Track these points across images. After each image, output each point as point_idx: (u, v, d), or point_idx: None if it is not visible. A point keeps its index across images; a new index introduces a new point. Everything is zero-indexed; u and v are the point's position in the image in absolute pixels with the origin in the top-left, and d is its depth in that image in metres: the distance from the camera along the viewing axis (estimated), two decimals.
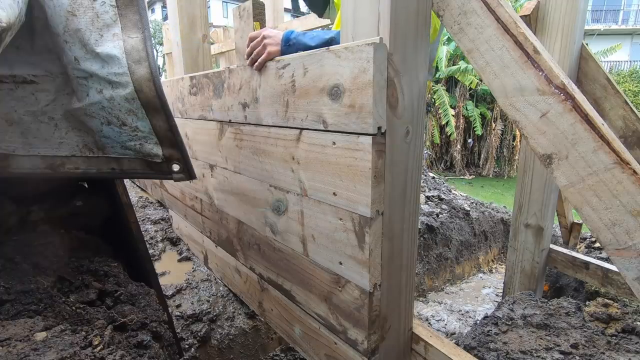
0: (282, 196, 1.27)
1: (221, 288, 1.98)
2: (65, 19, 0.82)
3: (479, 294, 2.87)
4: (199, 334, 1.70)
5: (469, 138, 9.07)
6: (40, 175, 0.97)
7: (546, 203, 1.80)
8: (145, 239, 1.73)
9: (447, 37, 8.46)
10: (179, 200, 2.31)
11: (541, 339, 1.34)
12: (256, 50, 1.22)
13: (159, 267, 2.13)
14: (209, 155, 1.76)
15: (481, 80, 7.77)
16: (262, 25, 1.30)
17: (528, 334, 1.37)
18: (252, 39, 1.24)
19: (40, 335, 0.79)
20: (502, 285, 2.21)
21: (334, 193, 1.04)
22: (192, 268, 2.17)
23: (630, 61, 15.52)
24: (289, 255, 1.31)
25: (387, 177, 0.95)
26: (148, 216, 2.65)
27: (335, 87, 0.96)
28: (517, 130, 5.70)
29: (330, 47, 0.97)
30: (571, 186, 0.77)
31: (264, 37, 1.20)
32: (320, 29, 2.80)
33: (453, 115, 8.46)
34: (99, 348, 0.78)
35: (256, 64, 1.22)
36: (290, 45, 1.19)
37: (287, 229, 1.28)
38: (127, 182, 3.24)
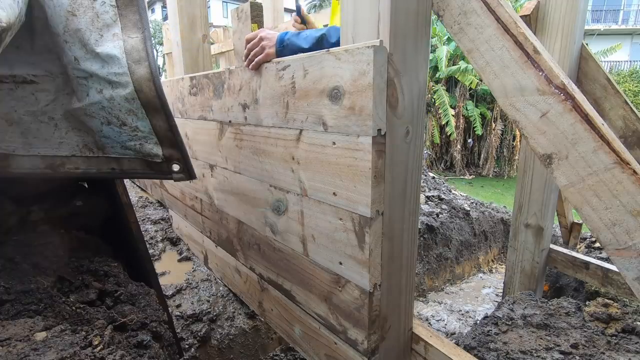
0: (282, 196, 1.27)
1: (221, 288, 1.98)
2: (65, 19, 0.82)
3: (479, 294, 2.87)
4: (199, 334, 1.70)
5: (469, 138, 9.06)
6: (40, 175, 0.97)
7: (546, 203, 1.79)
8: (145, 239, 1.73)
9: (447, 37, 8.46)
10: (179, 200, 2.31)
11: (541, 339, 1.34)
12: (253, 51, 1.23)
13: (159, 267, 2.13)
14: (209, 155, 1.75)
15: (481, 80, 7.77)
16: (260, 27, 1.30)
17: (528, 334, 1.37)
18: (248, 41, 1.25)
19: (40, 335, 0.79)
20: (502, 285, 2.21)
21: (334, 193, 1.04)
22: (192, 268, 2.17)
23: (630, 61, 15.50)
24: (289, 255, 1.31)
25: (387, 177, 0.95)
26: (148, 216, 2.65)
27: (335, 89, 0.96)
28: (517, 130, 5.70)
29: (331, 49, 0.97)
30: (571, 186, 0.77)
31: (261, 39, 1.22)
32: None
33: (453, 115, 8.45)
34: (99, 348, 0.78)
35: (252, 63, 1.23)
36: (284, 46, 1.20)
37: (287, 229, 1.28)
38: (127, 182, 3.24)
